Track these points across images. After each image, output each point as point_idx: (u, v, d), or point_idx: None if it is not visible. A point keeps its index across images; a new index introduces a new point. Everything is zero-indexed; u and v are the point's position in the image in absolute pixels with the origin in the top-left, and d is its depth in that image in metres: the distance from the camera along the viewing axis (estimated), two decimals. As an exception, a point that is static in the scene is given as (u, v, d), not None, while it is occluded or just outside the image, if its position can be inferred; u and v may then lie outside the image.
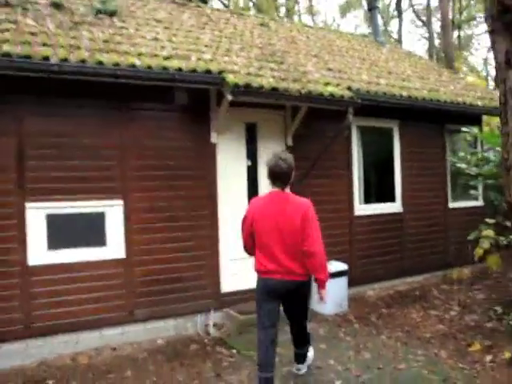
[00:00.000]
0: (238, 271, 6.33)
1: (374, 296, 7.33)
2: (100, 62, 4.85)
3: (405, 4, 30.85)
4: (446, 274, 8.68)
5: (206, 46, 6.43)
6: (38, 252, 5.12)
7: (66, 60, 4.69)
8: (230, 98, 5.43)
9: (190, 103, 5.90)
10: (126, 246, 5.59)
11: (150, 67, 5.10)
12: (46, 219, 5.17)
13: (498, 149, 5.93)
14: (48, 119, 5.21)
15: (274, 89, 5.53)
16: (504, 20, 4.14)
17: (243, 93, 5.38)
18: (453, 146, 9.09)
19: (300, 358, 4.50)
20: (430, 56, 24.11)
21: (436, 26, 26.36)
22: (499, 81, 4.20)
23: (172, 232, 5.83)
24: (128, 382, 4.57)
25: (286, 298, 4.00)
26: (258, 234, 3.93)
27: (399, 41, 26.93)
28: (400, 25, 27.63)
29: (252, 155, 6.53)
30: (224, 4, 22.97)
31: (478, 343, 5.06)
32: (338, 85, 6.50)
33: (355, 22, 33.37)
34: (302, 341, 4.39)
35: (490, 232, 8.31)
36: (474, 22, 30.60)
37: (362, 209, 7.59)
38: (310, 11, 29.18)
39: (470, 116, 9.15)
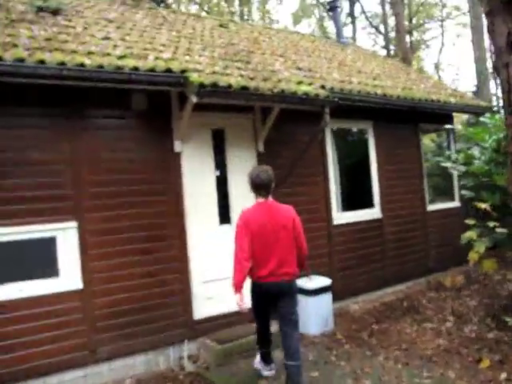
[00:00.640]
0: (212, 294, 5.66)
1: (359, 310, 6.79)
2: (42, 61, 4.13)
3: (356, 11, 31.03)
4: (429, 280, 8.26)
5: (163, 45, 5.78)
6: (-24, 289, 4.32)
7: (-1, 59, 3.96)
8: (194, 99, 4.80)
9: (149, 109, 5.27)
10: (83, 274, 4.83)
11: (101, 66, 4.42)
12: (-17, 249, 4.38)
13: (486, 145, 5.54)
14: (-18, 132, 4.45)
15: (244, 88, 4.93)
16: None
17: (209, 93, 4.76)
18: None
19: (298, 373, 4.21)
20: (387, 61, 24.09)
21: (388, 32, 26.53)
22: (500, 66, 3.74)
23: (135, 255, 5.11)
24: None
25: (280, 299, 4.22)
26: (255, 243, 4.12)
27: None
28: (354, 31, 27.74)
29: (221, 164, 5.89)
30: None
31: (487, 358, 4.56)
32: (310, 84, 5.97)
33: (308, 31, 33.38)
34: (296, 349, 4.25)
35: (473, 234, 7.97)
36: (423, 28, 31.16)
37: (340, 217, 7.06)
38: (263, 19, 28.88)
39: (442, 114, 8.84)
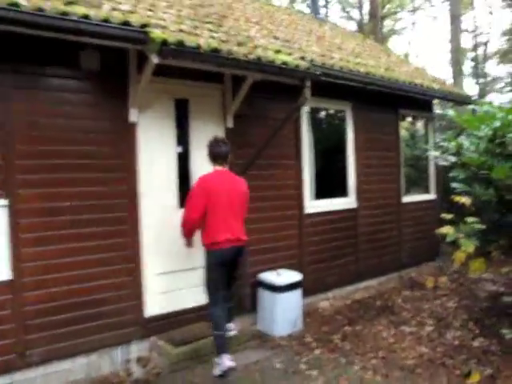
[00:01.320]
0: (167, 288, 4.94)
1: (329, 308, 6.22)
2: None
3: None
4: (402, 275, 7.79)
5: (122, -3, 4.94)
6: None
7: None
8: (155, 60, 4.02)
9: (102, 69, 4.48)
10: (13, 262, 4.01)
11: (41, 10, 3.56)
12: None
13: (481, 134, 4.98)
14: None
15: (215, 51, 4.18)
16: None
17: (174, 53, 3.98)
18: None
19: (230, 315, 4.69)
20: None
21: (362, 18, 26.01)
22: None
23: (78, 241, 4.33)
24: None
25: (233, 262, 4.50)
26: (213, 208, 4.28)
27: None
28: (326, 16, 27.03)
29: (183, 140, 5.13)
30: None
31: (476, 372, 4.04)
32: (289, 54, 5.26)
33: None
34: (231, 293, 4.67)
35: (450, 229, 7.52)
36: (395, 16, 30.81)
37: (313, 205, 6.43)
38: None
39: (423, 101, 8.32)
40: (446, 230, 7.34)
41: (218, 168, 4.45)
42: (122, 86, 4.60)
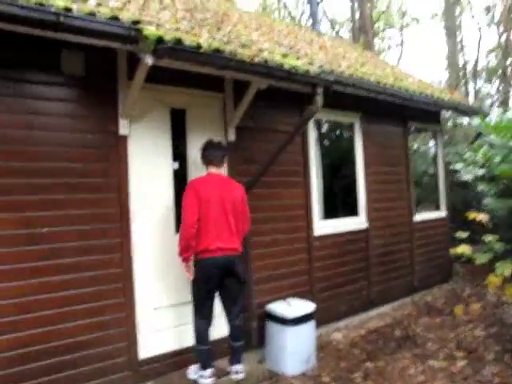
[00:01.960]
0: (165, 325, 4.31)
1: (343, 340, 5.58)
2: None
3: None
4: (415, 300, 7.19)
5: (110, -4, 4.39)
6: None
7: None
8: (149, 61, 3.44)
9: (86, 74, 3.90)
10: (-19, 300, 3.40)
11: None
12: None
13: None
14: None
15: (217, 51, 3.63)
16: None
17: (171, 53, 3.41)
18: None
19: (238, 354, 4.24)
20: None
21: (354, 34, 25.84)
22: None
23: (59, 274, 3.69)
24: None
25: (229, 275, 4.05)
26: (203, 214, 3.94)
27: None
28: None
29: (180, 155, 4.56)
30: None
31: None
32: (297, 58, 4.73)
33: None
34: (240, 330, 4.25)
35: (465, 248, 7.00)
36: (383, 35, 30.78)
37: (322, 226, 5.85)
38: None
39: (431, 113, 7.85)
40: (462, 249, 6.80)
41: (213, 171, 4.14)
42: (111, 93, 4.02)
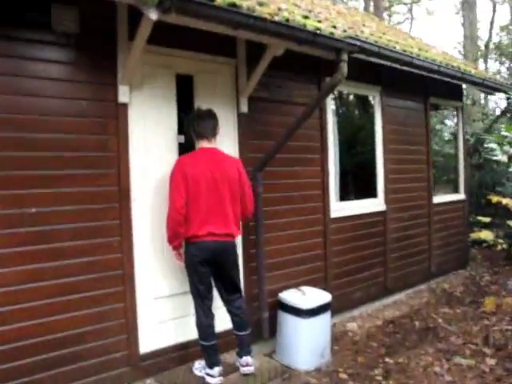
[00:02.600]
0: (167, 316, 3.90)
1: (359, 331, 5.19)
2: None
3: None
4: (433, 287, 6.80)
5: None
6: None
7: None
8: (153, 16, 2.93)
9: (81, 33, 3.39)
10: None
11: None
12: None
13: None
14: None
15: (233, 5, 3.12)
16: None
17: (180, 7, 2.90)
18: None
19: (246, 345, 3.84)
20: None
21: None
22: None
23: (51, 260, 3.26)
24: None
25: (222, 263, 3.68)
26: (193, 195, 3.49)
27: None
28: None
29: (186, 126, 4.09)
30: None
31: None
32: (319, 21, 4.22)
33: None
34: (246, 318, 3.86)
35: (488, 234, 6.60)
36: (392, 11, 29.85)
37: (339, 208, 5.40)
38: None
39: (454, 88, 7.33)
40: (485, 234, 6.39)
41: (205, 146, 3.66)
42: (109, 55, 3.53)
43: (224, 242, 3.60)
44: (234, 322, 3.83)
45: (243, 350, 3.83)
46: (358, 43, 4.03)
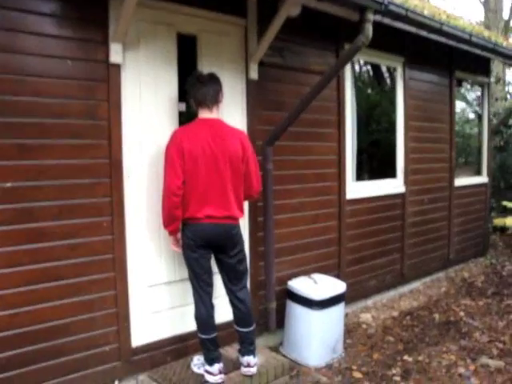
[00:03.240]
0: (164, 305, 3.50)
1: (373, 323, 4.79)
2: None
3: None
4: (451, 276, 6.38)
5: None
6: None
7: None
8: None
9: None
10: None
11: None
12: None
13: None
14: None
15: None
16: None
17: None
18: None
19: (249, 343, 3.37)
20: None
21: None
22: None
23: (30, 242, 2.84)
24: None
25: (222, 248, 3.22)
26: (190, 173, 3.04)
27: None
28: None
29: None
30: None
31: None
32: (340, -24, 3.71)
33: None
34: (249, 312, 3.38)
35: (513, 221, 6.17)
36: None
37: (355, 189, 4.95)
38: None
39: (481, 62, 6.78)
40: (510, 220, 5.99)
41: (205, 116, 3.18)
42: (99, 7, 3.05)
43: (224, 224, 3.15)
44: (235, 315, 3.40)
45: (245, 349, 3.39)
46: (386, 1, 3.51)
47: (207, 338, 3.21)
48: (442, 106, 6.21)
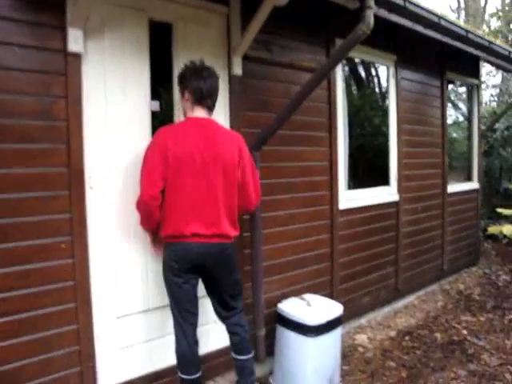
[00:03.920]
0: (136, 339, 2.98)
1: (370, 345, 4.34)
2: None
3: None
4: (446, 288, 6.00)
5: None
6: None
7: None
8: None
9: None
10: None
11: None
12: None
13: None
14: None
15: None
16: None
17: None
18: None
19: (248, 374, 2.93)
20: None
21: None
22: None
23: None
24: None
25: (212, 271, 2.73)
26: (175, 180, 2.56)
27: None
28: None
29: (162, 89, 3.15)
30: None
31: None
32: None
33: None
34: (247, 337, 2.94)
35: (509, 228, 5.89)
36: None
37: (348, 198, 4.51)
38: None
39: (472, 62, 6.48)
40: (508, 229, 5.68)
41: (198, 115, 2.71)
42: (55, -14, 2.56)
43: (213, 244, 2.67)
44: (233, 342, 2.94)
45: (244, 380, 2.93)
46: (388, -15, 3.10)
47: (189, 379, 2.72)
48: (433, 107, 5.85)
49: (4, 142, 2.38)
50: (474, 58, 6.24)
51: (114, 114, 2.81)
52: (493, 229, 6.10)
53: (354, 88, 4.98)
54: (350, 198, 4.51)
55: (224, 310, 2.90)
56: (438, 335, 4.49)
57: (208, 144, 2.63)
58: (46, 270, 2.55)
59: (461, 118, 8.00)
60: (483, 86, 11.96)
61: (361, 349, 4.25)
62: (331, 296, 4.24)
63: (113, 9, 2.78)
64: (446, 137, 6.05)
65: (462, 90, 7.67)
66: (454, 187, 6.34)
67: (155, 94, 3.02)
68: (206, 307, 3.00)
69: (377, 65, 5.18)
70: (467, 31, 4.78)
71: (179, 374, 2.76)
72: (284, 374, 3.56)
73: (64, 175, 2.59)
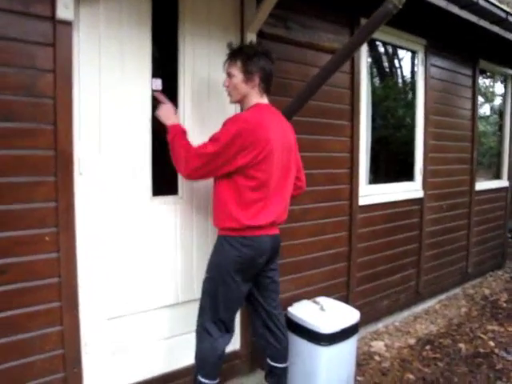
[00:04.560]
0: (124, 344, 2.68)
1: (387, 353, 4.00)
2: None
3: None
4: (470, 293, 5.61)
5: None
6: None
7: None
8: None
9: None
10: None
11: None
12: None
13: None
14: None
15: None
16: None
17: None
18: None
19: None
20: None
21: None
22: None
23: None
24: None
25: (270, 263, 2.59)
26: (267, 173, 2.33)
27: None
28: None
29: (166, 66, 2.83)
30: None
31: None
32: None
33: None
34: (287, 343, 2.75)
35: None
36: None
37: (368, 193, 4.16)
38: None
39: (505, 51, 6.00)
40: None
41: (264, 101, 2.51)
42: None
43: (276, 235, 2.55)
44: (272, 347, 2.71)
45: None
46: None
47: None
48: (464, 98, 5.44)
49: (-20, 119, 2.09)
50: (510, 46, 5.78)
51: (110, 90, 2.50)
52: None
53: (378, 73, 4.59)
54: (370, 193, 4.15)
55: (268, 306, 2.68)
56: (462, 346, 4.13)
57: (283, 132, 2.50)
58: (28, 264, 2.27)
59: (488, 112, 7.54)
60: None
61: (377, 357, 3.92)
62: (347, 298, 3.92)
63: (111, -27, 2.46)
64: (476, 131, 5.63)
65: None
66: (482, 185, 5.93)
67: (157, 70, 2.70)
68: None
69: (403, 51, 4.77)
70: (508, 13, 4.35)
71: (200, 379, 2.47)
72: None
73: (49, 159, 2.29)
